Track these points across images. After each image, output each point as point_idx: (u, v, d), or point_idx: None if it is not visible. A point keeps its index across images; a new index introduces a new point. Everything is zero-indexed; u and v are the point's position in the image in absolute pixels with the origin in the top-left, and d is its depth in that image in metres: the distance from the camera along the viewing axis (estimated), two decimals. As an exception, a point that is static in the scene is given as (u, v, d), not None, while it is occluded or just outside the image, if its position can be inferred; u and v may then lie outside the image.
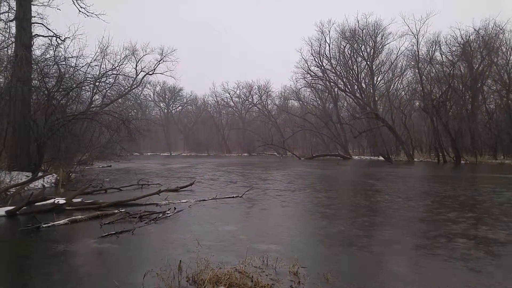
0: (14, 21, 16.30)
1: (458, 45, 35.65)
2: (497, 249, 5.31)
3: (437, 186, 13.94)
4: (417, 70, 37.82)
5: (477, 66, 35.65)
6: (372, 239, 5.98)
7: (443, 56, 37.15)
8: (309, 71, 48.49)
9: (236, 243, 5.57)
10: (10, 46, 18.24)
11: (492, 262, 4.70)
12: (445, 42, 36.69)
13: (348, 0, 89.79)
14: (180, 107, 75.52)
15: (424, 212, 8.57)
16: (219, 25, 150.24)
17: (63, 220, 6.92)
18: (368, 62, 45.54)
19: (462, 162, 31.16)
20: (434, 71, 36.72)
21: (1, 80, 20.36)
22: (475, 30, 35.09)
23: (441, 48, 36.99)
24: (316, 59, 47.64)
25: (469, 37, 34.87)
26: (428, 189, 12.93)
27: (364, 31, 44.19)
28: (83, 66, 19.43)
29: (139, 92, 56.39)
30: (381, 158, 38.22)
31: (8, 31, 18.37)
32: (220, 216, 7.90)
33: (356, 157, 45.83)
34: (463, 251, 5.18)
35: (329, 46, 46.48)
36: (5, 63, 19.60)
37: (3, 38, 18.64)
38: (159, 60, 39.66)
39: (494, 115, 36.56)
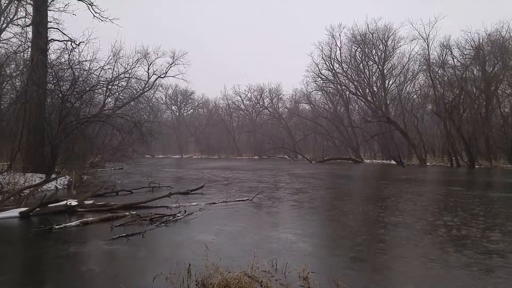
0: (31, 26, 16.64)
1: (470, 48, 35.17)
2: None
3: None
4: (428, 74, 37.40)
5: (490, 69, 35.08)
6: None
7: (455, 60, 36.67)
8: (320, 74, 48.47)
9: (244, 247, 5.55)
10: (27, 50, 18.71)
11: None
12: (456, 45, 36.26)
13: (357, 5, 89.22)
14: (191, 110, 76.15)
15: None
16: (229, 27, 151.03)
17: (74, 222, 7.02)
18: (379, 66, 45.21)
19: (476, 166, 30.63)
20: (446, 74, 36.25)
21: (17, 83, 20.89)
22: (486, 34, 34.72)
23: (452, 52, 36.53)
24: (327, 63, 47.59)
25: (481, 40, 34.42)
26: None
27: (374, 35, 43.95)
28: (96, 70, 19.65)
29: (151, 95, 56.86)
30: (393, 162, 37.80)
31: (24, 35, 18.91)
32: (230, 219, 7.90)
33: (368, 160, 45.41)
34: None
35: (340, 50, 46.39)
36: (21, 67, 20.11)
37: (20, 42, 19.18)
38: (170, 63, 40.00)
39: (509, 118, 35.81)
